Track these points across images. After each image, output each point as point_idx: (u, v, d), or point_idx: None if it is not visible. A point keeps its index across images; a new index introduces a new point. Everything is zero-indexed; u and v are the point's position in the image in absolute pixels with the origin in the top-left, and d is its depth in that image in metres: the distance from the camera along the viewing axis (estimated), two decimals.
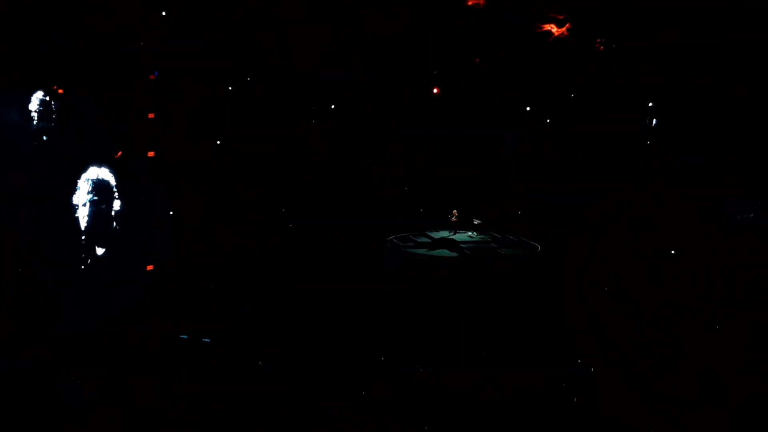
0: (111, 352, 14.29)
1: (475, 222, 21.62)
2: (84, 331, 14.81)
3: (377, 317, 16.13)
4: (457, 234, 21.66)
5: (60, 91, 17.86)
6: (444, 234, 21.72)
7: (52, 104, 18.06)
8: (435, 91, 21.70)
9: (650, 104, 19.25)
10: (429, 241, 21.37)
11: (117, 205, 17.66)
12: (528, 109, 21.87)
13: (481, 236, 21.52)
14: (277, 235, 20.16)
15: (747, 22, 16.90)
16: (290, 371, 13.94)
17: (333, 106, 21.14)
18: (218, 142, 19.94)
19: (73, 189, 17.52)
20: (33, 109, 17.89)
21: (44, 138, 18.36)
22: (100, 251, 17.63)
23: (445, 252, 20.66)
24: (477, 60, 19.96)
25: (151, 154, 17.56)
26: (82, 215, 17.58)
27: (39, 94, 18.05)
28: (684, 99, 18.35)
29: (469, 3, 19.13)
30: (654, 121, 19.25)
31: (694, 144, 18.17)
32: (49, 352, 13.87)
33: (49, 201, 17.30)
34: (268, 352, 14.50)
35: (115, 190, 17.65)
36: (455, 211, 21.81)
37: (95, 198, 17.47)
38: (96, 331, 14.85)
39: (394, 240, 21.46)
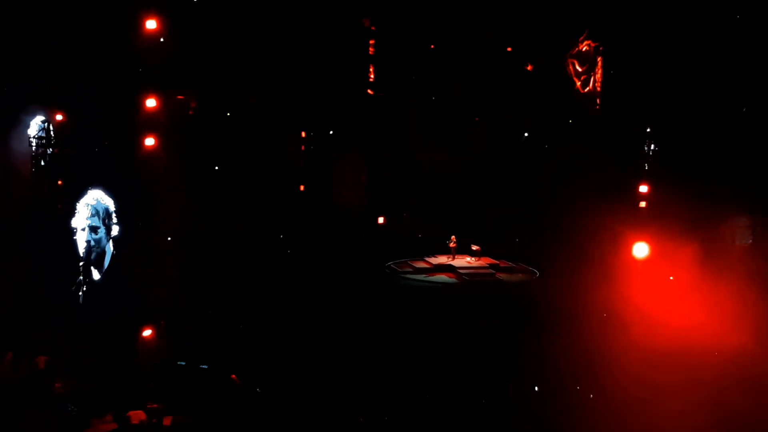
0: (110, 360, 14.31)
1: (474, 248, 21.67)
2: (83, 335, 14.95)
3: (375, 341, 16.14)
4: (455, 259, 21.72)
5: (60, 115, 17.88)
6: (442, 260, 21.77)
7: (51, 129, 18.03)
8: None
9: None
10: (427, 267, 21.41)
11: (116, 229, 17.63)
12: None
13: (479, 262, 21.56)
14: (277, 260, 20.16)
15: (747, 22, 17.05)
16: (287, 397, 13.87)
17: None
18: (216, 168, 19.98)
19: (72, 212, 17.47)
20: (32, 135, 17.86)
21: (42, 163, 18.33)
22: (96, 275, 17.57)
23: (443, 278, 20.70)
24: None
25: (152, 175, 17.61)
26: (81, 239, 17.52)
27: (38, 119, 18.03)
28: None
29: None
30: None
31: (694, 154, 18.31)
32: (47, 358, 13.81)
33: (48, 223, 17.31)
34: (266, 377, 14.47)
35: (114, 213, 17.62)
36: (453, 236, 21.87)
37: (94, 222, 17.43)
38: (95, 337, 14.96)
39: (392, 266, 21.49)
